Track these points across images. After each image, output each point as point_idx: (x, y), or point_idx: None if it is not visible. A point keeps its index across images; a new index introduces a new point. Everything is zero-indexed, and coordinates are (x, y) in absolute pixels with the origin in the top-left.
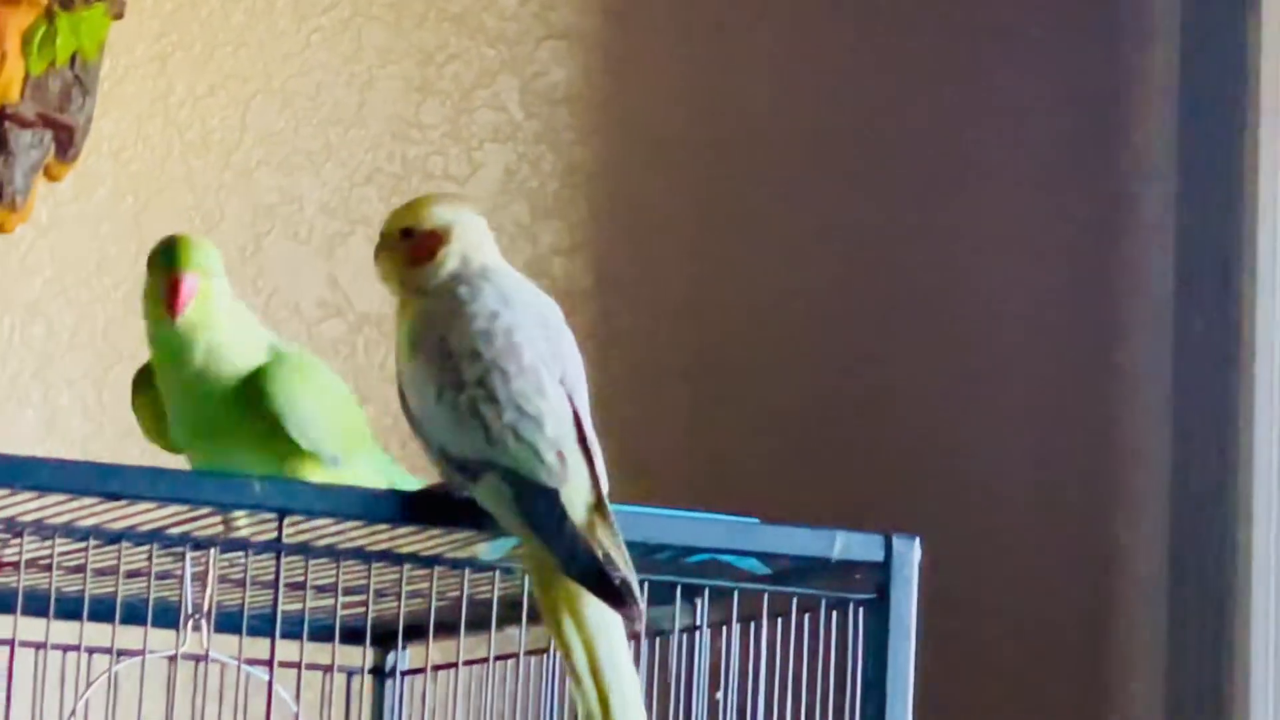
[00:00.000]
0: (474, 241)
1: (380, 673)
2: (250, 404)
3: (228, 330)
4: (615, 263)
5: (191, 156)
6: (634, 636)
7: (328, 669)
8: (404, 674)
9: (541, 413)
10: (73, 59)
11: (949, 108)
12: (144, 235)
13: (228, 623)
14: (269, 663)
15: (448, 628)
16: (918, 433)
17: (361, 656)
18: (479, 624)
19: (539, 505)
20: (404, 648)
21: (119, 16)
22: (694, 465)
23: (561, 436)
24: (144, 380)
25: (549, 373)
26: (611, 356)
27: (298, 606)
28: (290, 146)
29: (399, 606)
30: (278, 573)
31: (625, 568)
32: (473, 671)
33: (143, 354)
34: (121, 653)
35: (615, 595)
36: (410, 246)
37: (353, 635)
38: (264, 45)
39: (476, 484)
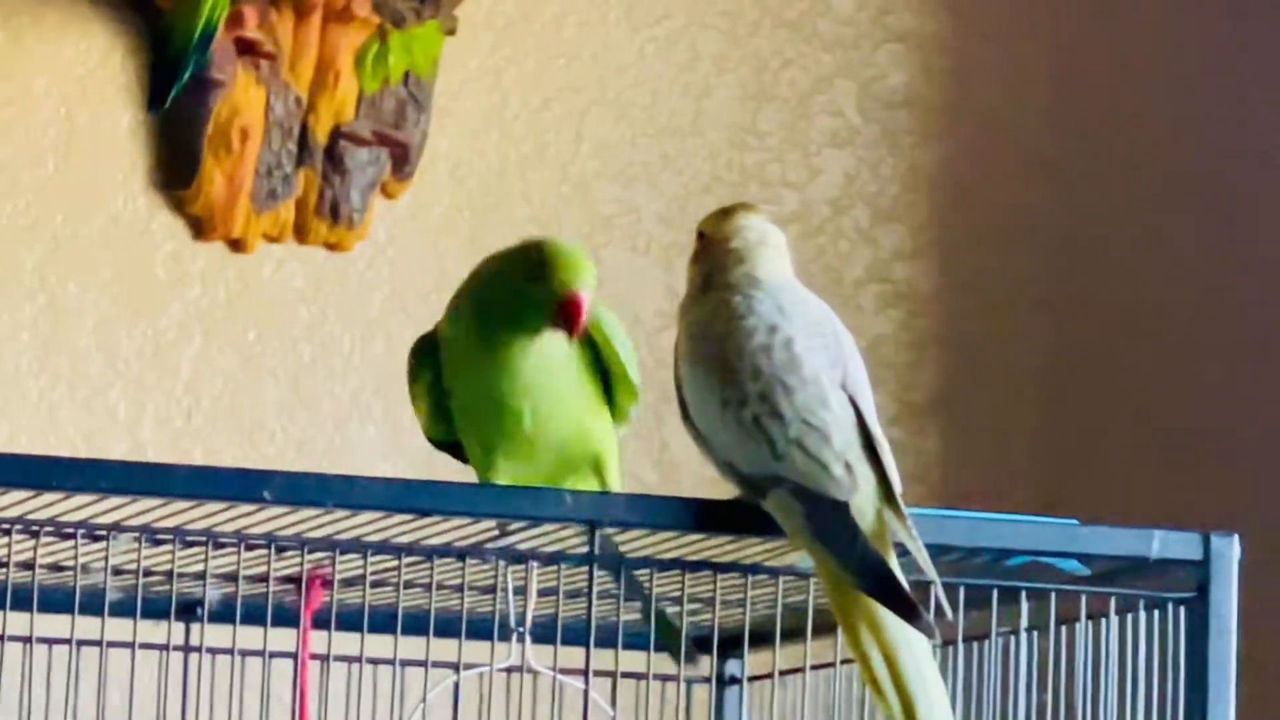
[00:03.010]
0: (759, 253)
1: (720, 681)
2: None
3: None
4: (960, 265)
5: (528, 170)
6: (947, 642)
7: (642, 677)
8: (729, 682)
9: (827, 424)
10: (406, 76)
11: None
12: (482, 250)
13: (552, 635)
14: (584, 672)
15: (786, 634)
16: (1246, 430)
17: (709, 665)
18: (801, 632)
19: (830, 520)
20: (725, 656)
21: (451, 32)
22: (1046, 467)
23: (848, 446)
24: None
25: (830, 380)
26: (957, 360)
27: (628, 617)
28: (627, 157)
29: (713, 615)
30: (590, 584)
31: (927, 569)
32: (801, 679)
33: None
34: (435, 664)
35: (911, 610)
36: (700, 249)
37: (694, 644)
38: (598, 57)
39: (765, 498)
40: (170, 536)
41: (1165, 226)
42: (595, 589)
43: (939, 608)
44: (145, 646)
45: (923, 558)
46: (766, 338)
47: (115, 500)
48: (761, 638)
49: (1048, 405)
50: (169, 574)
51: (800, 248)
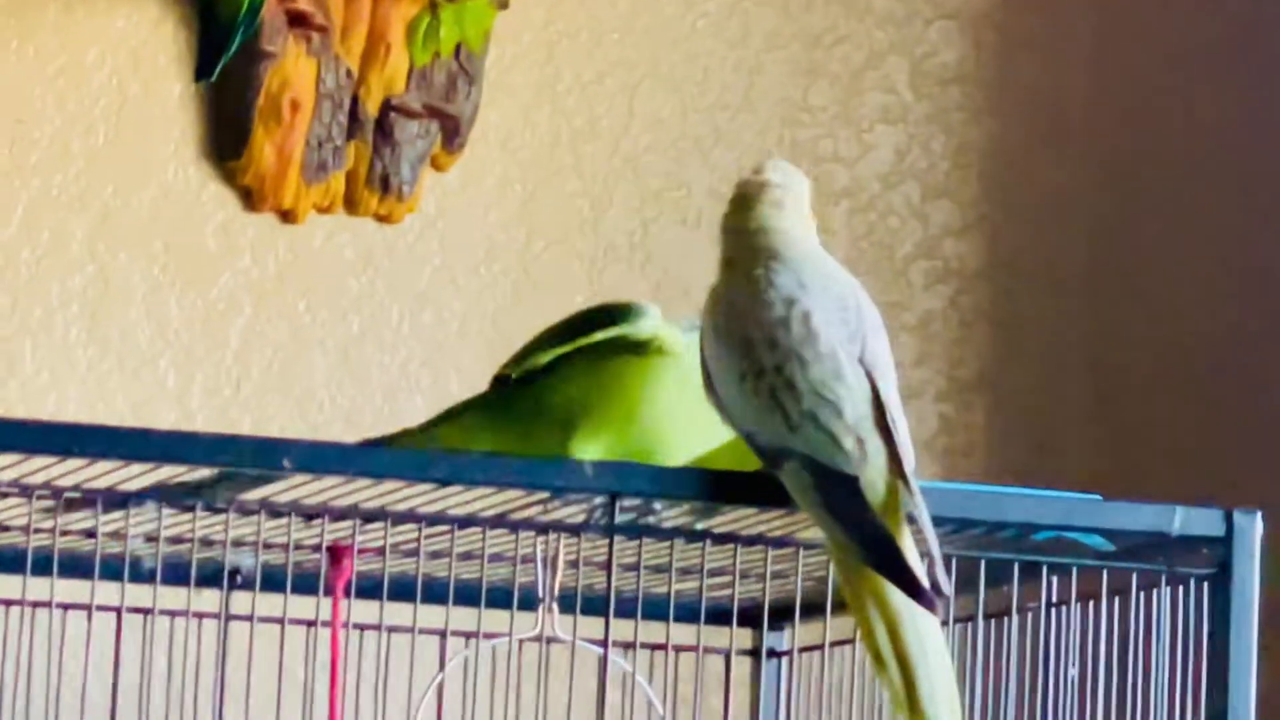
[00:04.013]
0: (781, 217)
1: (758, 654)
2: None
3: None
4: (1010, 242)
5: (579, 144)
6: (968, 617)
7: (660, 648)
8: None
9: (840, 398)
10: (457, 49)
11: None
12: (532, 223)
13: (586, 606)
14: (603, 643)
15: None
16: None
17: (733, 637)
18: (842, 605)
19: (838, 492)
20: (740, 625)
21: (504, 6)
22: (1095, 445)
23: (860, 420)
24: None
25: (847, 354)
26: (1007, 337)
27: (658, 589)
28: (678, 132)
29: (733, 588)
30: (610, 556)
31: (930, 543)
32: (846, 650)
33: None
34: (455, 634)
35: (914, 585)
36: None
37: (726, 617)
38: (650, 31)
39: (780, 470)
40: (194, 503)
41: (1212, 204)
42: (615, 560)
43: (937, 583)
44: (165, 613)
45: (929, 532)
46: (784, 310)
47: (139, 468)
48: (813, 609)
49: (1095, 382)
50: (198, 541)
51: (850, 223)
